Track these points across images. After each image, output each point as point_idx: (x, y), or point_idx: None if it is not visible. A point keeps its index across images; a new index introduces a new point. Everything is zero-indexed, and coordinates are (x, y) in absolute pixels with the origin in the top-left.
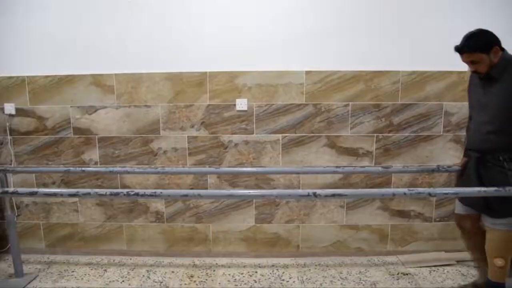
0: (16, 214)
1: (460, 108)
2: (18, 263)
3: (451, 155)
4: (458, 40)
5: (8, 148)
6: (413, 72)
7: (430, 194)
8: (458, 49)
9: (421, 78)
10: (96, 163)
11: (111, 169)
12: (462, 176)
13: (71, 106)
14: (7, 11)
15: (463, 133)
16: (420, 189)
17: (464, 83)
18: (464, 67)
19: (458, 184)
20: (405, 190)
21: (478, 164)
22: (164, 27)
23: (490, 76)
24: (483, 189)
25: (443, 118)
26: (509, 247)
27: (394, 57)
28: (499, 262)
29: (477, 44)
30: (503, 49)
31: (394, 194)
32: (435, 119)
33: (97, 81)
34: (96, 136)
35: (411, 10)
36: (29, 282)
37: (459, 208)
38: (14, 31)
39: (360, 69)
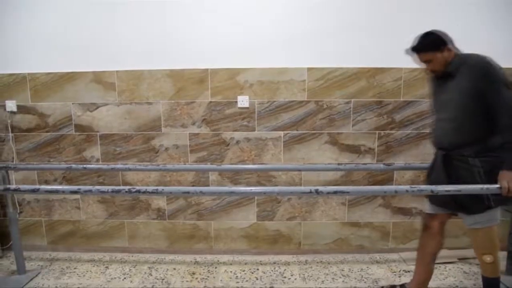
0: (18, 211)
1: None
2: (21, 260)
3: None
4: (461, 37)
5: (10, 145)
6: (416, 69)
7: (432, 192)
8: (413, 48)
9: (423, 75)
10: (97, 160)
11: (112, 166)
12: (431, 175)
13: (72, 103)
14: (8, 9)
15: None
16: (423, 186)
17: None
18: None
19: (427, 183)
20: (407, 187)
21: (445, 161)
22: (166, 24)
23: (447, 73)
24: (485, 186)
25: None
26: (493, 242)
27: (396, 53)
28: (487, 258)
29: (430, 43)
30: (456, 49)
31: (396, 192)
32: None
33: (98, 78)
34: (98, 133)
35: (414, 7)
36: (31, 279)
37: (428, 208)
38: (15, 29)
39: (362, 66)
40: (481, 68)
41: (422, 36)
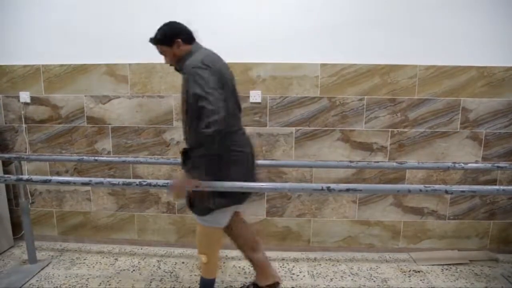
0: (30, 202)
1: (478, 104)
2: (32, 249)
3: (467, 152)
4: (478, 35)
5: (23, 136)
6: (431, 67)
7: (446, 191)
8: (151, 40)
9: (439, 73)
10: (108, 152)
11: (123, 158)
12: None
13: (85, 95)
14: (23, 1)
15: (481, 130)
16: (436, 186)
17: (483, 79)
18: (483, 62)
19: None
20: (421, 186)
21: (185, 160)
22: (178, 18)
23: (179, 70)
24: (502, 187)
25: (460, 114)
26: (210, 243)
27: (411, 51)
28: (202, 258)
29: (160, 36)
30: (193, 44)
31: (409, 191)
32: (452, 115)
33: (111, 71)
34: (109, 125)
35: (430, 4)
36: (42, 269)
37: None
38: (30, 21)
39: (376, 63)
40: (188, 71)
41: (159, 28)
